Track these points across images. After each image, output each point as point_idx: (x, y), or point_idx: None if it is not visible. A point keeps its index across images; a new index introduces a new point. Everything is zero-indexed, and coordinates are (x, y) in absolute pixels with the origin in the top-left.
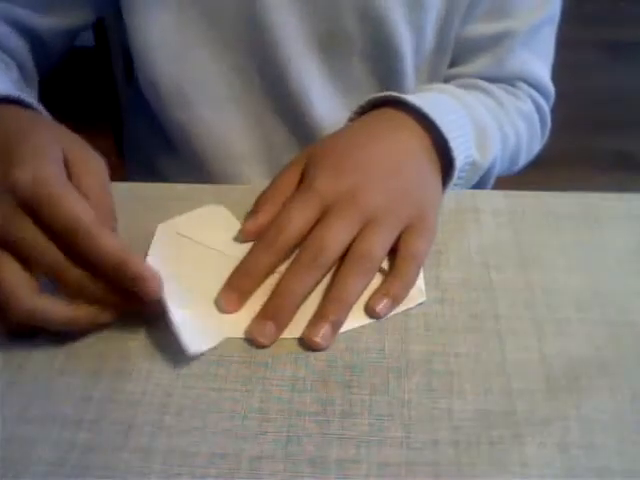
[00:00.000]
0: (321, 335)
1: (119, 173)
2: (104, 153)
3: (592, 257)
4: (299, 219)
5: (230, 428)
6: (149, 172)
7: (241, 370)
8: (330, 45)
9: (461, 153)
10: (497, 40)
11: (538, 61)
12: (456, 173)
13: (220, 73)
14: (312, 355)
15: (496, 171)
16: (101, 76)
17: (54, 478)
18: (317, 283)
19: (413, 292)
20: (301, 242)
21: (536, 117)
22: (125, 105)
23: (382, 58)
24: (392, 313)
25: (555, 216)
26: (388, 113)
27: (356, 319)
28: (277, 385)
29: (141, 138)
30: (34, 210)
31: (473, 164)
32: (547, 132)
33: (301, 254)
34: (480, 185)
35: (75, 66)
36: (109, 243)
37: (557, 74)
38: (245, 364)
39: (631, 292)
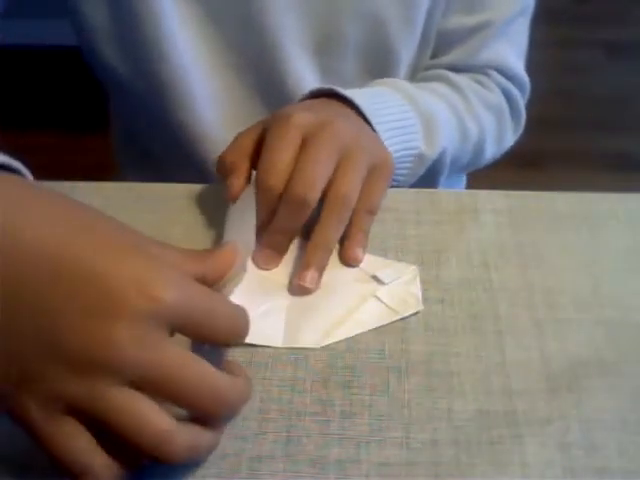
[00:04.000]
0: (309, 280)
1: (119, 173)
2: (104, 153)
3: (592, 257)
4: (286, 156)
5: (230, 428)
6: (147, 173)
7: None
8: (326, 46)
9: (392, 146)
10: (474, 32)
11: (512, 52)
12: None
13: (218, 73)
14: (312, 355)
15: (454, 162)
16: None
17: (54, 478)
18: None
19: (410, 300)
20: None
21: (506, 107)
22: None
23: (376, 56)
24: (388, 321)
25: (555, 216)
26: (326, 102)
27: (353, 328)
28: (277, 385)
29: (140, 139)
30: (187, 328)
31: (419, 156)
32: (522, 122)
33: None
34: (434, 176)
35: (75, 66)
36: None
37: (557, 74)
38: (245, 364)
39: (631, 292)
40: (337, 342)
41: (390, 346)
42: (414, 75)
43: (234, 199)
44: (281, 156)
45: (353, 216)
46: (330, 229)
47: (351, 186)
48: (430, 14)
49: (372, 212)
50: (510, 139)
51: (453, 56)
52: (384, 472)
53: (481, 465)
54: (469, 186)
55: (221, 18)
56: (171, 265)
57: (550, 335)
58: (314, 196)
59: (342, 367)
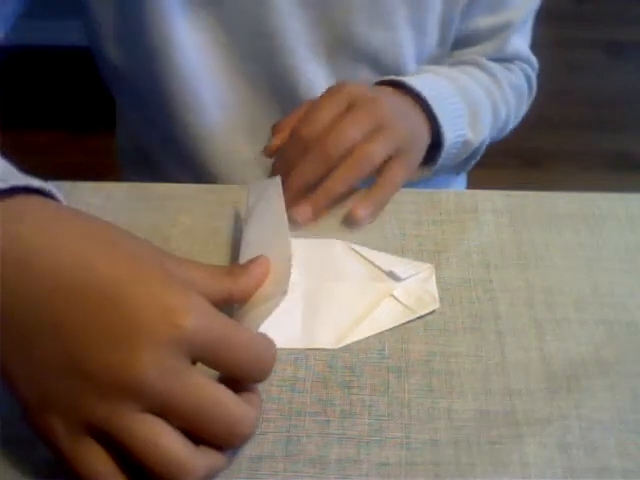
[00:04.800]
0: (301, 213)
1: (119, 173)
2: (105, 153)
3: (592, 257)
4: (328, 115)
5: None
6: (149, 175)
7: None
8: (336, 50)
9: (451, 133)
10: (496, 31)
11: (525, 42)
12: (442, 154)
13: (228, 78)
14: (312, 355)
15: (486, 144)
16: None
17: (54, 478)
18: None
19: (427, 298)
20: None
21: (526, 87)
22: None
23: (386, 60)
24: (405, 320)
25: (555, 216)
26: (391, 91)
27: (371, 327)
28: (277, 385)
29: (142, 143)
30: (208, 357)
31: (465, 142)
32: (534, 95)
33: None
34: (468, 160)
35: (75, 66)
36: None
37: (557, 74)
38: None
39: (631, 292)
40: None
41: (390, 346)
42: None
43: (267, 153)
44: (322, 114)
45: (373, 186)
46: (340, 180)
47: (377, 152)
48: (445, 17)
49: (395, 187)
50: (523, 113)
51: (478, 52)
52: (384, 472)
53: (481, 465)
54: (469, 186)
55: (231, 22)
56: (196, 286)
57: (550, 335)
58: (338, 153)
59: (342, 367)
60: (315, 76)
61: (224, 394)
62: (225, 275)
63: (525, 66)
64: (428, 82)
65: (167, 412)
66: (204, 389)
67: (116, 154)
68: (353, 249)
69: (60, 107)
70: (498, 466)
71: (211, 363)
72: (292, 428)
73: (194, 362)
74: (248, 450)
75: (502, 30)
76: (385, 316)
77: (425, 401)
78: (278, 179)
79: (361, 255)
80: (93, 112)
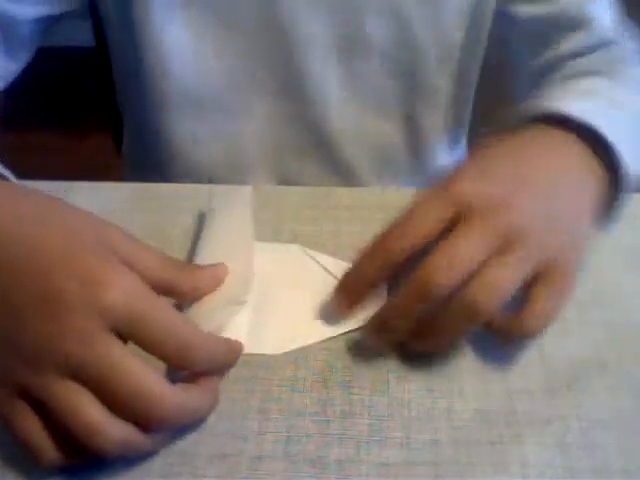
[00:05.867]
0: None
1: (119, 173)
2: (105, 153)
3: (592, 257)
4: (426, 221)
5: (230, 428)
6: (151, 177)
7: (241, 370)
8: (350, 48)
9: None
10: (576, 8)
11: (610, 10)
12: (632, 185)
13: (236, 82)
14: (312, 355)
15: None
16: (101, 76)
17: (54, 478)
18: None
19: (372, 308)
20: (425, 247)
21: None
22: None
23: (402, 59)
24: (353, 328)
25: None
26: (544, 129)
27: (316, 334)
28: (277, 385)
29: (145, 145)
30: (127, 332)
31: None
32: None
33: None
34: None
35: (75, 66)
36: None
37: None
38: (245, 364)
39: (631, 292)
40: (337, 342)
41: (390, 346)
42: (462, 81)
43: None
44: (425, 224)
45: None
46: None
47: (504, 277)
48: (474, 14)
49: (527, 335)
50: None
51: (569, 42)
52: (384, 472)
53: (481, 465)
54: None
55: (240, 25)
56: (137, 267)
57: (550, 335)
58: (441, 291)
59: (342, 367)
60: (327, 75)
61: (142, 370)
62: (172, 267)
63: (629, 45)
64: (596, 112)
65: (85, 381)
66: (120, 361)
67: (120, 154)
68: (308, 255)
69: (61, 107)
70: (498, 466)
71: (133, 339)
72: (292, 428)
73: (125, 340)
74: (248, 450)
75: (580, 7)
76: (332, 324)
77: (425, 401)
78: (249, 188)
79: (315, 261)
80: (93, 112)
